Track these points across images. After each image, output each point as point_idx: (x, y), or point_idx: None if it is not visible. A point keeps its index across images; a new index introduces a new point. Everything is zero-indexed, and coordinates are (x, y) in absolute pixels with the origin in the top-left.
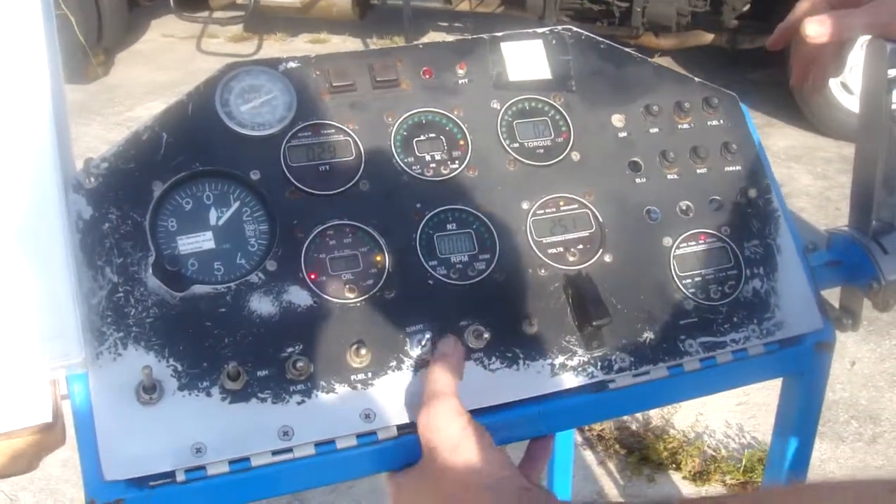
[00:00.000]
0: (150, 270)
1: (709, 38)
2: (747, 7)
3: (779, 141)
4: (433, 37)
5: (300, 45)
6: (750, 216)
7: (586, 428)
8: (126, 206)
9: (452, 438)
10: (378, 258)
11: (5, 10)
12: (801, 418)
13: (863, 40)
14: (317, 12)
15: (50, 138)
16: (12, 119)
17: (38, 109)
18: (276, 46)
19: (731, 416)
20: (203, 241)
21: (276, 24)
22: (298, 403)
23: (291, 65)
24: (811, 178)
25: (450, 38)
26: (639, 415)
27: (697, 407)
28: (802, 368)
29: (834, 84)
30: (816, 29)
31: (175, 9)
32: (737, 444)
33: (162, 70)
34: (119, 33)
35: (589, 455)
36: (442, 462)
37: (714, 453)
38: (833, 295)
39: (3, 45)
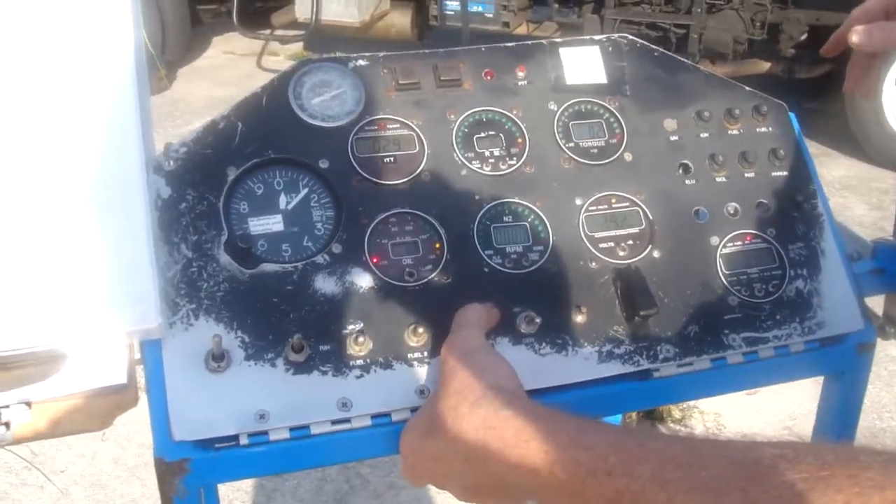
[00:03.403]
0: (223, 248)
1: (765, 66)
2: (804, 36)
3: (833, 171)
4: None
5: (362, 54)
6: (795, 220)
7: None
8: (202, 188)
9: (466, 348)
10: (437, 245)
11: (99, 7)
12: (840, 419)
13: None
14: (376, 33)
15: (135, 123)
16: (103, 105)
17: (125, 95)
18: None
19: (777, 439)
20: (273, 224)
21: (336, 43)
22: (357, 377)
23: (361, 63)
24: (866, 209)
25: None
26: (683, 434)
27: (743, 429)
28: (843, 368)
29: (892, 115)
30: (862, 38)
31: (238, 26)
32: None
33: (221, 86)
34: (181, 48)
35: None
36: (454, 365)
37: None
38: (877, 304)
39: (97, 44)
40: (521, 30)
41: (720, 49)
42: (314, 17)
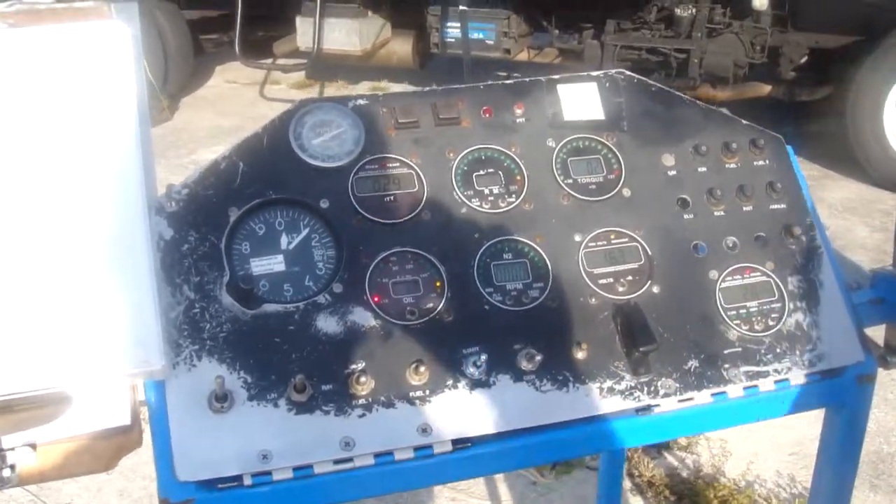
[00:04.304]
0: (225, 289)
1: (766, 89)
2: (805, 59)
3: (835, 193)
4: None
5: (361, 93)
6: (794, 252)
7: (636, 473)
8: (204, 229)
9: None
10: (438, 284)
11: (102, 53)
12: (842, 451)
13: None
14: (378, 61)
15: (137, 165)
16: (106, 149)
17: (127, 139)
18: (337, 94)
19: (782, 465)
20: (274, 264)
21: (338, 72)
22: (360, 416)
23: (360, 102)
24: (868, 231)
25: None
26: (689, 462)
27: (748, 456)
28: (844, 400)
29: (893, 136)
30: None
31: (240, 55)
32: (787, 494)
33: (225, 115)
34: (184, 78)
35: (639, 502)
36: None
37: (765, 502)
38: (877, 334)
39: (99, 89)
40: (522, 56)
41: (721, 73)
42: (316, 46)
